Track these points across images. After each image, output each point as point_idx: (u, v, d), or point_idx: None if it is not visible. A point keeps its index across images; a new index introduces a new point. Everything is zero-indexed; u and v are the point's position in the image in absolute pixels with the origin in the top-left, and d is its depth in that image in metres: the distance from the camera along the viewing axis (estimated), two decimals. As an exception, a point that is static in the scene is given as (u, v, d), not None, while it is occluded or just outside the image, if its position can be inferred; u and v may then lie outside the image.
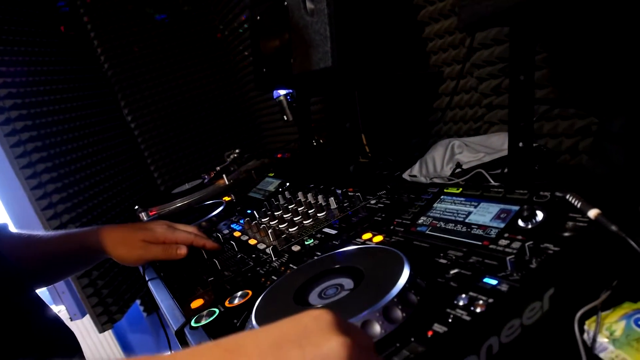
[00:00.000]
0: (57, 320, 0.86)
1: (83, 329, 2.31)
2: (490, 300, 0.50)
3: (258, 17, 1.45)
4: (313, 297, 0.63)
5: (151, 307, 2.47)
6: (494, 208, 0.70)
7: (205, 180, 1.71)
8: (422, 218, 0.79)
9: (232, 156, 1.85)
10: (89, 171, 2.00)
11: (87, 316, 1.95)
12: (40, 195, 1.74)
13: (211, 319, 0.71)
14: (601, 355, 0.53)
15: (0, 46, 1.72)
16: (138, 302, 2.48)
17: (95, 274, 1.91)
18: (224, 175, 1.64)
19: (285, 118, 1.74)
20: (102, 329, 1.93)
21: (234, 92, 2.70)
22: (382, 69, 1.25)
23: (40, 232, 1.00)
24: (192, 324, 0.71)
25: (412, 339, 0.48)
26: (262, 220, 1.10)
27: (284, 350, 0.37)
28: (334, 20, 1.09)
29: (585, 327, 0.56)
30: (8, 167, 1.66)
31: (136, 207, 1.63)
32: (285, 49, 1.31)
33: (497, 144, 1.09)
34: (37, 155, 1.74)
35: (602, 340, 0.54)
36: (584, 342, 0.54)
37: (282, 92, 1.71)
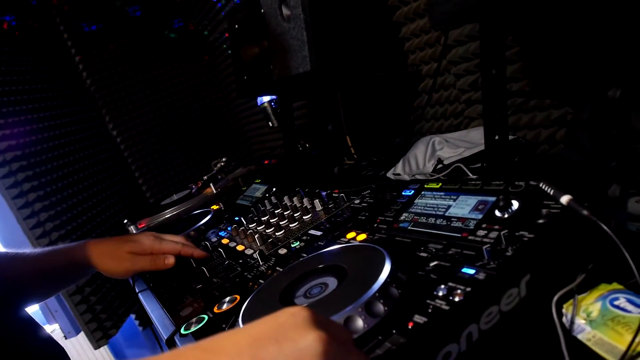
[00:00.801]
0: (49, 339, 0.86)
1: (78, 346, 2.30)
2: (468, 289, 0.52)
3: (236, 26, 1.46)
4: (298, 298, 0.64)
5: (145, 320, 2.45)
6: (472, 200, 0.72)
7: (193, 190, 1.71)
8: (404, 214, 0.80)
9: (219, 165, 1.86)
10: (76, 188, 2.00)
11: (82, 333, 1.94)
12: (28, 214, 1.73)
13: (200, 325, 0.71)
14: (579, 336, 0.54)
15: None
16: (132, 316, 2.47)
17: (88, 290, 1.90)
18: (211, 184, 1.64)
19: (271, 124, 1.76)
20: (97, 345, 1.92)
21: (219, 101, 2.71)
22: (361, 71, 1.27)
23: (27, 249, 1.00)
24: (182, 331, 0.72)
25: (394, 331, 0.49)
26: (249, 226, 1.10)
27: (262, 347, 0.37)
28: (310, 25, 1.10)
29: (563, 310, 0.57)
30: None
31: (125, 220, 1.63)
32: (265, 56, 1.32)
33: (476, 138, 1.11)
34: (23, 175, 1.73)
35: (580, 322, 0.55)
36: (562, 325, 0.55)
37: (266, 98, 1.72)
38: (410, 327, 0.49)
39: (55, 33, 2.25)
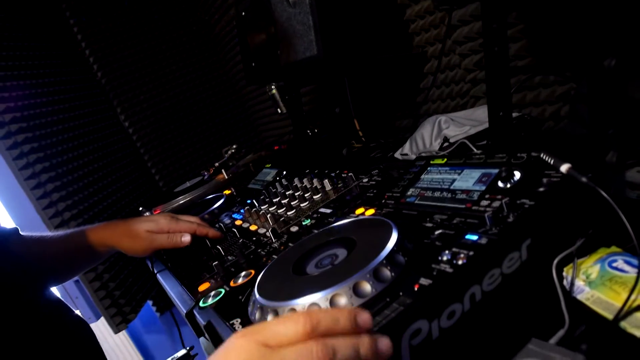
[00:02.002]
0: (78, 319, 0.91)
1: (98, 331, 2.36)
2: (471, 253, 0.54)
3: (243, 13, 1.48)
4: (310, 268, 0.67)
5: (163, 306, 2.52)
6: (476, 173, 0.74)
7: (205, 177, 1.75)
8: (410, 190, 0.83)
9: (229, 152, 1.89)
10: (92, 178, 2.04)
11: (102, 318, 2.00)
12: (47, 204, 1.78)
13: (218, 298, 0.75)
14: (578, 297, 0.57)
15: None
16: (150, 302, 2.53)
17: (107, 276, 1.96)
18: (223, 170, 1.68)
19: (279, 111, 1.78)
20: (117, 330, 1.98)
21: (228, 89, 2.73)
22: (367, 54, 1.29)
23: (49, 232, 1.05)
24: (200, 304, 0.76)
25: (401, 293, 0.53)
26: (262, 207, 1.14)
27: None
28: (315, 9, 1.12)
29: (564, 273, 0.60)
30: (8, 172, 1.71)
31: (140, 208, 1.68)
32: (272, 42, 1.34)
33: (481, 116, 1.12)
34: (40, 166, 1.78)
35: (579, 283, 0.58)
36: (562, 286, 0.58)
37: (274, 85, 1.74)
38: (416, 289, 0.52)
39: (65, 26, 2.29)
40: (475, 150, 0.85)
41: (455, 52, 1.28)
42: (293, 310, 0.56)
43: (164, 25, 2.53)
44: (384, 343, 0.43)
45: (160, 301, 2.52)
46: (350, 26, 1.22)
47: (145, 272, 2.17)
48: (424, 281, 0.53)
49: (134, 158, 2.46)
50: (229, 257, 0.92)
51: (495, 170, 0.71)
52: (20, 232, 0.97)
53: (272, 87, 1.69)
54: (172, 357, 1.18)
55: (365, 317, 0.44)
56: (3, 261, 0.81)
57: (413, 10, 1.33)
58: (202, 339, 0.86)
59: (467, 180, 0.74)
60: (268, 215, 1.00)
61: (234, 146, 1.91)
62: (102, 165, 2.14)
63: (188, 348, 1.19)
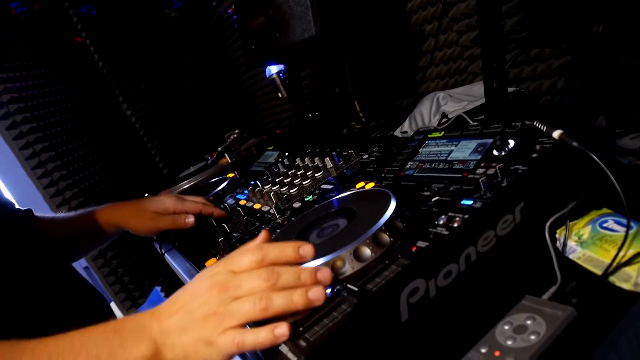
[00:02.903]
0: (98, 292, 0.96)
1: (109, 317, 2.41)
2: (466, 217, 0.57)
3: (241, -3, 1.49)
4: (312, 238, 0.69)
5: (171, 291, 2.56)
6: (472, 144, 0.76)
7: (209, 161, 1.77)
8: (409, 163, 0.85)
9: (232, 137, 1.91)
10: (97, 166, 2.07)
11: (112, 303, 2.04)
12: (54, 192, 1.82)
13: (224, 271, 0.77)
14: (570, 256, 0.59)
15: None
16: (158, 288, 2.57)
17: (115, 262, 2.00)
18: (226, 155, 1.70)
19: (280, 95, 1.79)
20: (127, 314, 2.02)
21: (229, 75, 2.74)
22: (365, 33, 1.30)
23: (60, 213, 1.08)
24: (208, 277, 0.78)
25: (399, 256, 0.55)
26: (265, 187, 1.16)
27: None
28: (312, -11, 1.13)
29: (557, 235, 0.62)
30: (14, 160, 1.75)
31: (146, 194, 1.70)
32: (271, 25, 1.35)
33: (479, 92, 1.13)
34: (46, 155, 1.81)
35: (571, 244, 0.60)
36: (555, 247, 0.60)
37: (274, 69, 1.76)
38: (413, 250, 0.55)
39: (64, 17, 2.30)
40: (471, 122, 0.87)
41: (452, 29, 1.29)
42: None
43: (164, 13, 2.54)
44: (324, 272, 0.53)
45: (168, 287, 2.56)
46: (347, 6, 1.23)
47: (152, 257, 2.21)
48: (421, 243, 0.55)
49: (137, 147, 2.49)
50: (234, 235, 0.94)
51: (491, 140, 0.73)
52: (34, 213, 1.00)
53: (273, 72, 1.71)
54: None
55: (307, 248, 0.55)
56: (27, 236, 0.85)
57: (410, -12, 1.34)
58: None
59: (464, 150, 0.76)
60: (271, 194, 1.02)
61: (236, 131, 1.93)
62: (106, 153, 2.17)
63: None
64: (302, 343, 0.47)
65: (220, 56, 2.72)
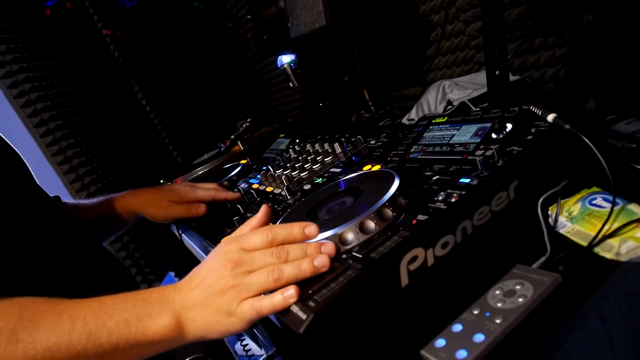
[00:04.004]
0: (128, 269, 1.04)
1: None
2: (463, 193, 0.61)
3: (254, -12, 1.53)
4: (322, 214, 0.74)
5: (185, 275, 2.63)
6: (473, 128, 0.80)
7: (222, 149, 1.83)
8: (414, 147, 0.90)
9: (244, 125, 1.97)
10: (114, 154, 2.15)
11: (129, 286, 2.12)
12: (73, 178, 1.89)
13: (239, 246, 0.83)
14: (561, 231, 0.64)
15: (18, 43, 1.85)
16: (172, 274, 2.66)
17: (132, 246, 2.08)
18: (238, 142, 1.76)
19: (291, 85, 1.84)
20: (143, 296, 2.10)
21: (241, 65, 2.80)
22: (374, 23, 1.34)
23: (82, 200, 1.15)
24: (224, 253, 0.84)
25: (400, 228, 0.60)
26: (276, 171, 1.21)
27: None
28: (323, -19, 1.17)
29: (549, 212, 0.67)
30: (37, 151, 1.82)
31: (161, 180, 1.77)
32: (282, 15, 1.40)
33: (483, 80, 1.17)
34: (66, 142, 1.88)
35: (562, 220, 0.64)
36: (547, 223, 0.65)
37: (286, 60, 1.80)
38: (414, 223, 0.60)
39: (82, 10, 2.37)
40: (474, 108, 0.91)
41: (459, 19, 1.32)
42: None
43: (179, 3, 2.59)
44: (328, 245, 0.59)
45: (181, 272, 2.64)
46: (357, -3, 1.27)
47: (167, 242, 2.28)
48: (421, 217, 0.60)
49: (150, 130, 2.56)
50: (248, 215, 1.00)
51: (490, 124, 0.77)
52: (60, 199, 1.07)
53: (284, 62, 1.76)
54: None
55: (311, 228, 0.61)
56: (61, 217, 0.92)
57: (418, -21, 1.37)
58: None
59: (465, 134, 0.81)
60: (283, 177, 1.07)
61: (249, 119, 1.98)
62: (122, 142, 2.24)
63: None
64: (311, 303, 0.53)
65: (233, 46, 2.77)
